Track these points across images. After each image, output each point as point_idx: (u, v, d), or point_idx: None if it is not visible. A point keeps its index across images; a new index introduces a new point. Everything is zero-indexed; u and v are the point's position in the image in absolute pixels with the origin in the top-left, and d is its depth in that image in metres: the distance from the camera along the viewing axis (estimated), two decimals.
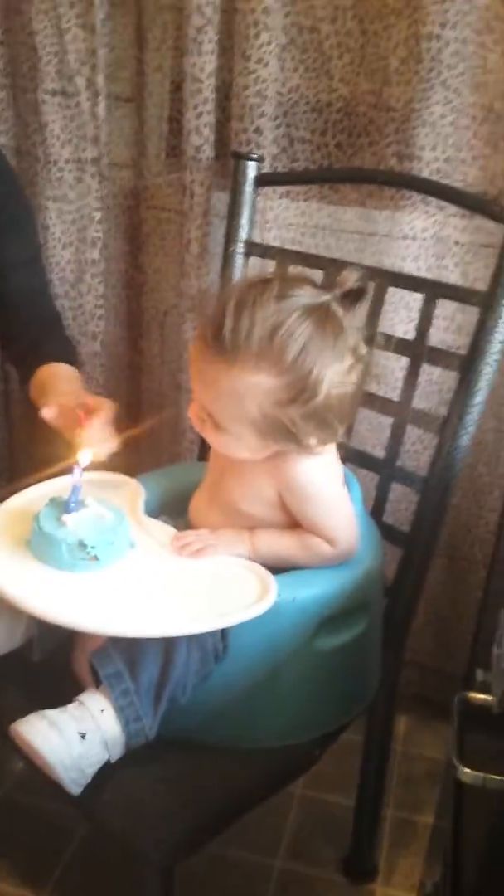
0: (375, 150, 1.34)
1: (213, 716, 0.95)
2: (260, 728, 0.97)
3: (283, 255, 1.25)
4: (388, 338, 1.10)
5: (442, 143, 1.27)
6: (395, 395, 1.16)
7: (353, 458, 1.19)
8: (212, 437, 0.94)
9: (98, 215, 1.47)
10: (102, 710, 0.88)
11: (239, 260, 1.27)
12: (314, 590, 0.94)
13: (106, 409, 1.06)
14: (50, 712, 0.87)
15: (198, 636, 0.88)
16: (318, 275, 1.15)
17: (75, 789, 0.87)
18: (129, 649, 0.89)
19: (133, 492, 1.05)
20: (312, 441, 0.90)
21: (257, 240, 1.30)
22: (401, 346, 1.13)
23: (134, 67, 1.45)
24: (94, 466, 0.97)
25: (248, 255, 1.27)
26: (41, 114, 1.41)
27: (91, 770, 0.87)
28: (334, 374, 0.87)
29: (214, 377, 0.88)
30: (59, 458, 1.00)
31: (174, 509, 1.07)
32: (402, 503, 1.33)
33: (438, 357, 1.12)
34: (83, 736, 0.86)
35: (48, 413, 1.06)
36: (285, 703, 0.98)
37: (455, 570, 1.51)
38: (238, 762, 0.95)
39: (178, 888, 0.93)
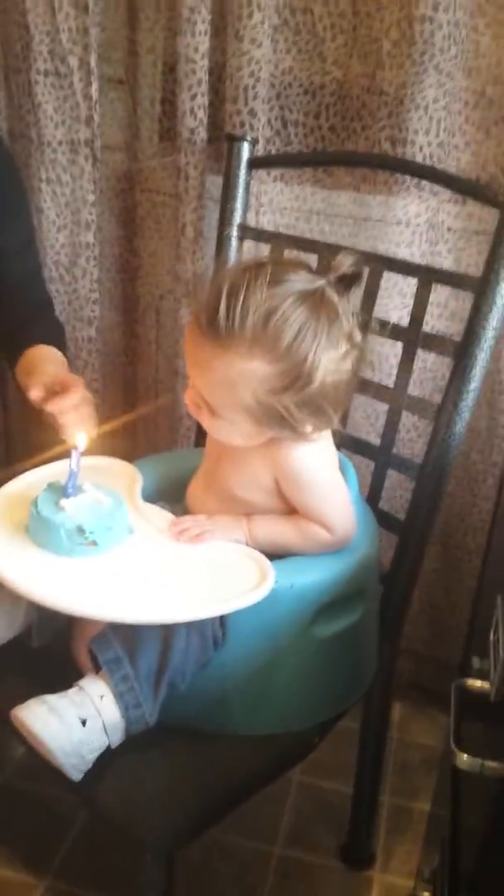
0: (368, 135, 1.33)
1: (213, 703, 0.95)
2: (259, 715, 0.97)
3: (277, 239, 1.24)
4: (384, 324, 1.10)
5: (435, 127, 1.26)
6: (389, 382, 1.16)
7: (348, 445, 1.19)
8: (207, 423, 0.93)
9: (92, 198, 1.47)
10: (102, 696, 0.88)
11: (233, 244, 1.26)
12: (312, 576, 0.94)
13: (80, 389, 1.06)
14: (50, 697, 0.87)
15: (197, 623, 0.87)
16: (312, 259, 1.14)
17: (76, 775, 0.87)
18: (129, 635, 0.88)
19: (130, 477, 1.05)
20: (307, 428, 0.90)
21: (252, 224, 1.29)
22: (395, 332, 1.13)
23: (126, 48, 1.44)
24: (91, 450, 0.97)
25: (242, 238, 1.26)
26: (34, 95, 1.41)
27: (91, 756, 0.87)
28: (329, 361, 0.86)
29: (209, 363, 0.87)
30: (57, 443, 1.00)
31: (171, 495, 1.06)
32: (397, 490, 1.33)
33: (433, 343, 1.12)
34: (83, 722, 0.86)
35: (35, 394, 1.06)
36: (284, 690, 0.98)
37: (448, 558, 1.51)
38: (237, 749, 0.95)
39: (177, 875, 0.93)
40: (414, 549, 1.13)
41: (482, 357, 1.06)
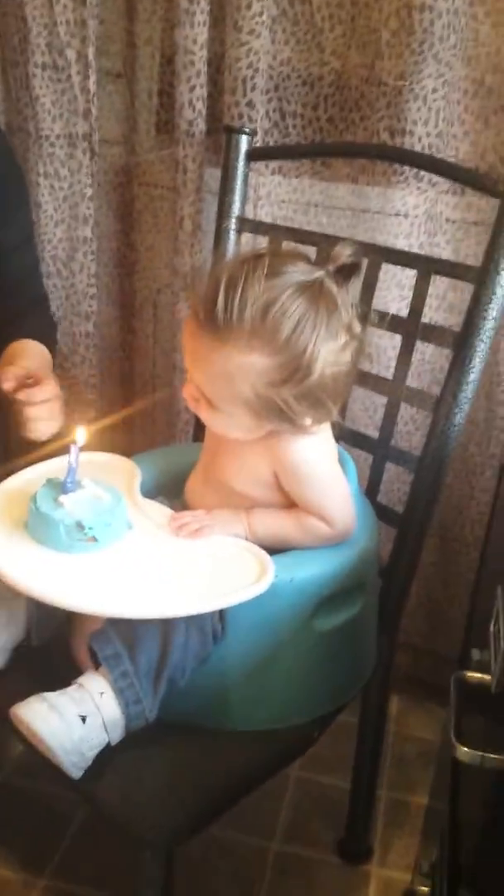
0: (367, 125, 1.32)
1: (212, 698, 0.95)
2: (259, 710, 0.97)
3: (275, 231, 1.24)
4: (382, 315, 1.10)
5: (434, 117, 1.26)
6: (387, 375, 1.15)
7: (346, 438, 1.18)
8: (206, 417, 0.93)
9: (89, 192, 1.46)
10: (102, 693, 0.87)
11: (232, 236, 1.26)
12: (311, 570, 0.94)
13: (52, 385, 1.05)
14: (50, 695, 0.86)
15: (196, 617, 0.87)
16: (311, 251, 1.13)
17: (76, 773, 0.86)
18: (128, 631, 0.88)
19: (129, 472, 1.04)
20: (307, 421, 0.90)
21: (250, 216, 1.29)
22: (394, 324, 1.13)
23: (124, 40, 1.43)
24: (89, 446, 0.96)
25: (240, 231, 1.26)
26: (32, 88, 1.40)
27: (91, 753, 0.87)
28: (328, 353, 0.86)
29: (207, 356, 0.87)
30: (54, 438, 0.99)
31: (170, 490, 1.06)
32: (395, 483, 1.33)
33: (432, 334, 1.11)
34: (83, 719, 0.85)
35: (6, 384, 1.06)
36: (284, 685, 0.97)
37: (446, 550, 1.51)
38: (237, 745, 0.94)
39: (175, 872, 0.93)
40: (412, 541, 1.13)
41: (482, 348, 1.06)
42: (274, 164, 1.35)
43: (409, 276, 1.15)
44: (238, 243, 1.26)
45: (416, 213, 1.31)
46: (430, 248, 1.33)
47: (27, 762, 1.26)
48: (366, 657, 1.09)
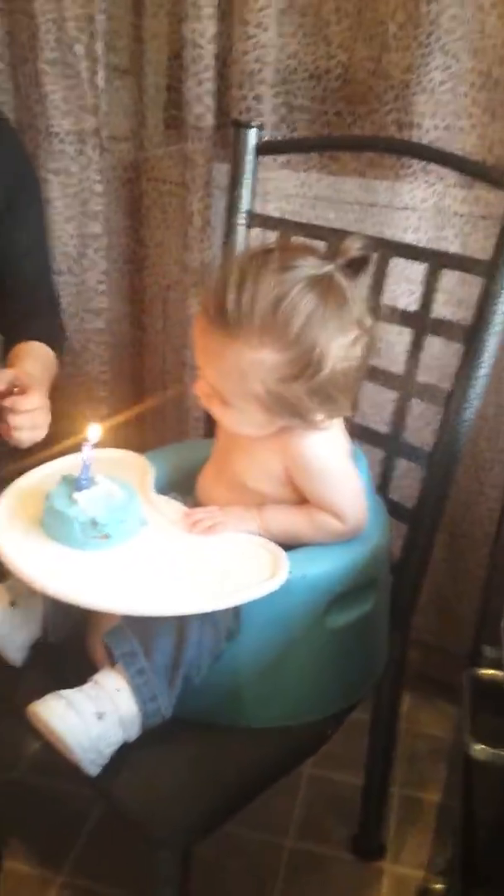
0: (374, 119, 1.32)
1: (226, 695, 0.95)
2: (272, 707, 0.97)
3: (285, 226, 1.23)
4: (392, 310, 1.09)
5: (441, 110, 1.25)
6: (397, 370, 1.15)
7: (356, 434, 1.18)
8: (218, 413, 0.93)
9: (99, 188, 1.46)
10: (118, 690, 0.87)
11: (241, 231, 1.25)
12: (324, 566, 0.93)
13: (40, 395, 1.05)
14: (67, 692, 0.86)
15: (211, 615, 0.87)
16: (320, 246, 1.13)
17: (93, 770, 0.86)
18: (144, 628, 0.88)
19: (142, 469, 1.04)
20: (318, 416, 0.89)
21: (258, 211, 1.28)
22: (404, 318, 1.12)
23: (131, 35, 1.42)
24: (101, 443, 0.96)
25: (250, 226, 1.25)
26: (42, 84, 1.39)
27: (109, 750, 0.87)
28: (339, 348, 0.86)
29: (218, 353, 0.87)
30: (67, 435, 0.99)
31: (182, 486, 1.06)
32: (406, 479, 1.32)
33: (442, 328, 1.11)
34: (100, 716, 0.85)
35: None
36: (297, 682, 0.97)
37: (456, 547, 1.50)
38: (252, 742, 0.94)
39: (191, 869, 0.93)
40: (423, 538, 1.13)
41: (492, 342, 1.05)
42: (282, 159, 1.35)
43: (417, 270, 1.14)
44: (247, 238, 1.26)
45: (424, 207, 1.30)
46: (438, 242, 1.32)
47: (44, 760, 1.25)
48: (378, 654, 1.09)
